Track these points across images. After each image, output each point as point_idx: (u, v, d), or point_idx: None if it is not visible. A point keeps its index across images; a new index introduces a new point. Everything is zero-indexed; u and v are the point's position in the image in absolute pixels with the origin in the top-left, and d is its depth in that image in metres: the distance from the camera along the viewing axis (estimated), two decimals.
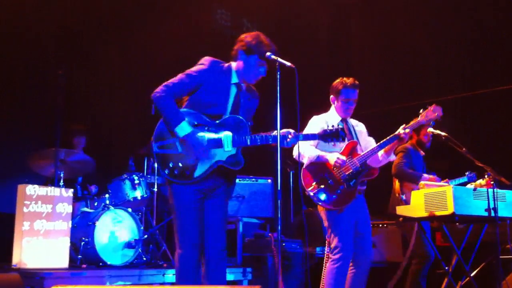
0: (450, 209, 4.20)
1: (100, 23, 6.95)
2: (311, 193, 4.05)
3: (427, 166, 5.52)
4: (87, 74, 6.73)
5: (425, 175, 5.20)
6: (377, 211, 6.36)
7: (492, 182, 4.55)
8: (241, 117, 3.46)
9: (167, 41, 7.33)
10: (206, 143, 3.34)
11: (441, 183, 5.12)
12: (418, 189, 4.63)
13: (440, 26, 8.08)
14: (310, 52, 8.54)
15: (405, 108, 7.87)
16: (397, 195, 5.25)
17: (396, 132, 4.13)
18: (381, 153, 4.20)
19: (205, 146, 3.33)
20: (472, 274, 4.92)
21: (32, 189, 4.70)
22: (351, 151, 4.21)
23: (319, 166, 4.13)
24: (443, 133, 5.02)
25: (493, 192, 4.33)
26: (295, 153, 3.95)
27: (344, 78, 4.31)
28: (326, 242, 4.23)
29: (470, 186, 4.63)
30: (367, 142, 4.42)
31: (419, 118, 4.24)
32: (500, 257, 4.63)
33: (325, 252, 4.24)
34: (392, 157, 4.42)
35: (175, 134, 3.33)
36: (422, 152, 5.47)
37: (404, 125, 4.19)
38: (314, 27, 8.87)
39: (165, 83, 3.40)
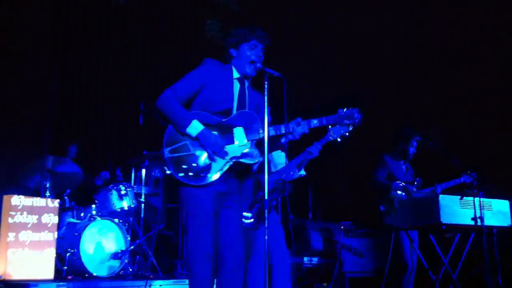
0: (437, 218, 4.20)
1: (91, 33, 6.94)
2: None
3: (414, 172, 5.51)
4: (77, 84, 6.70)
5: (397, 182, 5.18)
6: (366, 220, 6.37)
7: (478, 191, 4.56)
8: (250, 111, 3.34)
9: (158, 51, 7.33)
10: (219, 139, 3.22)
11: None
12: (405, 197, 4.65)
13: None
14: (300, 61, 8.59)
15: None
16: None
17: (308, 148, 4.22)
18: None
19: (219, 143, 3.20)
20: (459, 283, 4.92)
21: (17, 200, 4.65)
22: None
23: None
24: (430, 141, 5.03)
25: (479, 201, 4.34)
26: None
27: None
28: None
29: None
30: (278, 157, 4.44)
31: (326, 135, 4.27)
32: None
33: None
34: (302, 172, 4.43)
35: (187, 135, 3.18)
36: (404, 160, 5.44)
37: (314, 142, 4.31)
38: (305, 36, 8.92)
39: (168, 87, 3.28)
